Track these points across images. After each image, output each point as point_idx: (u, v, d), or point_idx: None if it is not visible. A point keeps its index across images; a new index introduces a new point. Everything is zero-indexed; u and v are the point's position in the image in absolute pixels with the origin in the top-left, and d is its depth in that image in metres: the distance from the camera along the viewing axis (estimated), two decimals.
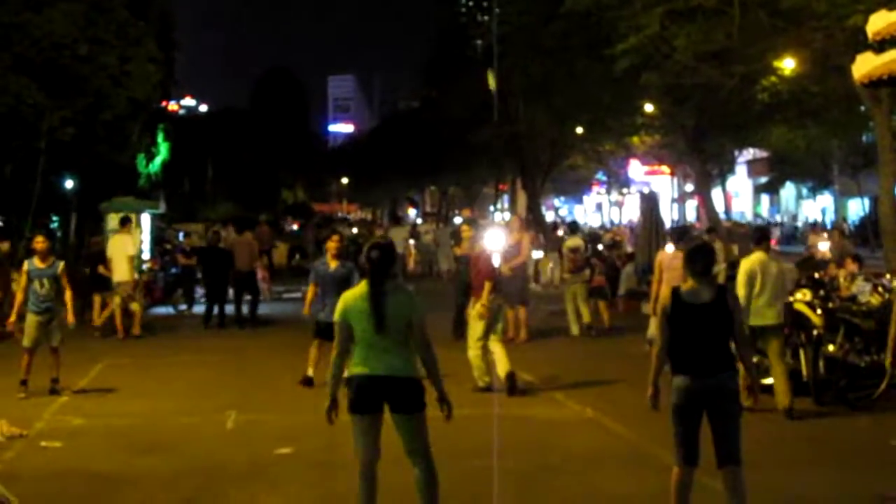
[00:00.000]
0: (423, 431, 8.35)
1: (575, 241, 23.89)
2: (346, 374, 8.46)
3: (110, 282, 23.59)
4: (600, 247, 31.02)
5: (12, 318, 16.65)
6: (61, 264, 16.25)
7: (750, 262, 13.95)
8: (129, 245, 23.92)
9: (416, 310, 8.39)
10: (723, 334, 8.46)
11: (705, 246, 9.05)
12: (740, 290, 13.51)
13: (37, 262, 15.91)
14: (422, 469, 8.32)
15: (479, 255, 16.48)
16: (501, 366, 15.47)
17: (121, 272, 23.44)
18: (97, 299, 24.30)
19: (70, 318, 16.37)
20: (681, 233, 17.57)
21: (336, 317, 8.49)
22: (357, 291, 8.44)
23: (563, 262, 22.75)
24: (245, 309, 25.87)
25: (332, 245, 16.32)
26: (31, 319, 15.78)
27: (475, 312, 15.72)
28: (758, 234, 15.28)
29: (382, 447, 8.39)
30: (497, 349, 15.66)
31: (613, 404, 14.45)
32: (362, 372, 8.26)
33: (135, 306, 23.63)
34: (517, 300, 21.62)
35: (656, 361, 8.61)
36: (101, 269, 24.00)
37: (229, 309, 25.54)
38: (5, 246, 27.54)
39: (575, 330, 22.77)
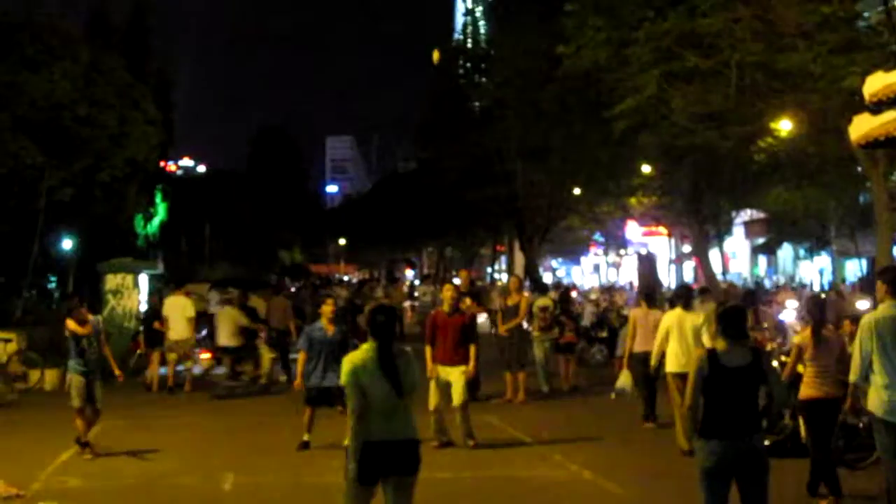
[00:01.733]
0: (413, 494, 8.31)
1: (544, 301, 24.05)
2: (357, 440, 8.27)
3: (163, 338, 24.51)
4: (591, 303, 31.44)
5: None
6: (100, 318, 16.53)
7: (667, 318, 15.93)
8: (188, 306, 24.77)
9: (417, 373, 8.46)
10: (756, 397, 8.44)
11: (739, 308, 9.01)
12: (657, 340, 15.79)
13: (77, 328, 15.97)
14: None
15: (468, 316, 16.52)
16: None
17: (178, 330, 24.31)
18: (155, 355, 24.83)
19: (117, 372, 16.60)
20: (684, 293, 17.61)
21: (345, 380, 8.36)
22: (364, 355, 8.35)
23: (534, 321, 22.98)
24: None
25: (327, 309, 16.36)
26: (78, 380, 15.78)
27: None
28: (677, 293, 17.74)
29: None
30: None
31: (611, 464, 14.40)
32: (387, 438, 8.18)
33: (189, 364, 24.60)
34: (516, 363, 21.68)
35: (691, 423, 8.51)
36: (156, 324, 24.82)
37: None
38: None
39: (545, 387, 22.77)
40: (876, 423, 10.62)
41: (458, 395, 15.68)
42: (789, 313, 25.95)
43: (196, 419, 20.03)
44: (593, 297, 37.68)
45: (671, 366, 15.67)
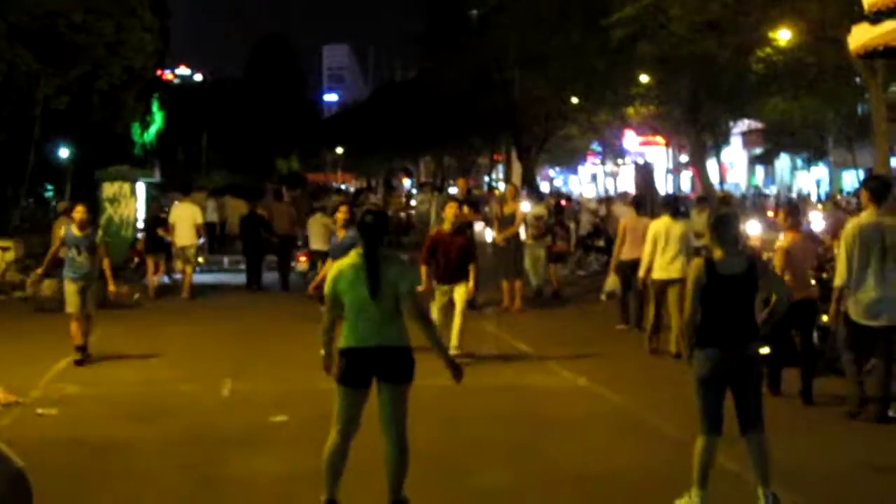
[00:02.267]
0: (405, 404, 8.23)
1: (538, 209, 24.50)
2: (337, 345, 8.35)
3: (167, 245, 25.14)
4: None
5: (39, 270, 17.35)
6: (99, 233, 16.41)
7: (654, 225, 16.36)
8: (197, 213, 25.34)
9: (407, 278, 8.27)
10: (751, 305, 8.52)
11: (731, 215, 9.09)
12: (646, 248, 16.07)
13: (75, 231, 15.94)
14: (393, 442, 8.17)
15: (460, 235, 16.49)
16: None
17: (186, 237, 24.75)
18: (150, 262, 25.14)
19: (112, 286, 16.37)
20: (672, 202, 17.93)
21: (327, 287, 8.36)
22: (349, 260, 8.28)
23: (528, 229, 23.17)
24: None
25: (340, 217, 16.18)
26: (71, 287, 15.83)
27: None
28: (665, 201, 19.13)
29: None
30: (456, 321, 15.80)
31: (607, 372, 14.56)
32: (355, 345, 8.16)
33: (189, 269, 24.83)
34: (513, 271, 21.81)
35: (690, 331, 8.57)
36: (160, 231, 25.23)
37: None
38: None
39: (535, 281, 23.36)
40: (847, 322, 11.61)
41: (459, 302, 15.75)
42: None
43: (197, 326, 20.14)
44: (591, 206, 37.68)
45: (657, 273, 16.07)
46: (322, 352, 8.54)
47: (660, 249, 15.97)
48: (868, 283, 11.43)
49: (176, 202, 27.37)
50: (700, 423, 8.44)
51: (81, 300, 15.76)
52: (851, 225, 11.67)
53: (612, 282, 19.12)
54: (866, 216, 11.58)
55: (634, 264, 17.14)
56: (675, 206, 17.24)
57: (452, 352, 13.59)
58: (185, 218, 25.00)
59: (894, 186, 12.29)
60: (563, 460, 10.25)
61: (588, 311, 21.73)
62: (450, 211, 16.42)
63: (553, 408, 12.69)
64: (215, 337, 18.67)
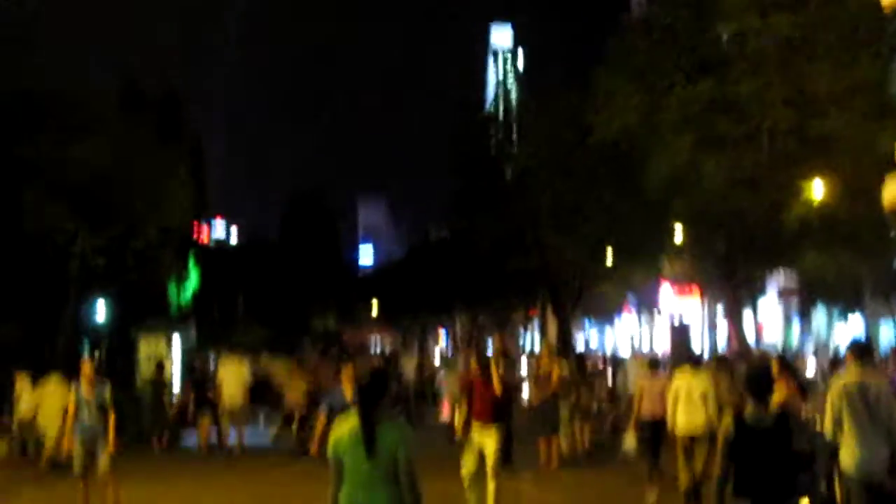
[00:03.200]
0: None
1: (563, 366, 24.32)
2: None
3: (215, 406, 25.39)
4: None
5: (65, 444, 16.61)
6: (108, 390, 16.15)
7: (676, 380, 17.07)
8: (244, 371, 25.74)
9: (405, 443, 8.07)
10: (785, 459, 8.44)
11: (764, 371, 9.15)
12: (668, 405, 16.75)
13: (84, 389, 15.78)
14: None
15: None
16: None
17: (233, 395, 25.09)
18: (204, 421, 25.56)
19: (110, 447, 15.99)
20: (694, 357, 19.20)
21: (329, 453, 8.20)
22: (347, 423, 8.18)
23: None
24: None
25: (347, 374, 16.18)
26: (79, 448, 15.66)
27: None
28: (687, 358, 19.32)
29: None
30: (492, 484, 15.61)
31: None
32: None
33: (242, 428, 25.19)
34: (550, 427, 21.74)
35: (718, 490, 8.49)
36: (210, 394, 25.61)
37: None
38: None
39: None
40: (851, 483, 11.39)
41: (491, 456, 15.58)
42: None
43: (233, 486, 19.96)
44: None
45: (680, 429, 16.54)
46: None
47: (681, 404, 16.51)
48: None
49: (223, 360, 27.53)
50: None
51: (89, 461, 15.56)
52: (837, 385, 11.88)
53: (629, 440, 19.70)
54: (850, 375, 11.85)
55: (651, 422, 17.88)
56: (697, 360, 18.50)
57: None
58: (231, 374, 25.22)
59: None
60: None
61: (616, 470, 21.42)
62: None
63: None
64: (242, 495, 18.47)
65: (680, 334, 55.26)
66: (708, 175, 28.86)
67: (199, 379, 27.17)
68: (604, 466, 22.60)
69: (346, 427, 8.18)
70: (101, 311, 38.57)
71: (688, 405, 16.36)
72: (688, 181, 30.31)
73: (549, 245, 52.30)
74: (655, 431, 17.65)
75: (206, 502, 18.35)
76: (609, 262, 50.31)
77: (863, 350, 12.33)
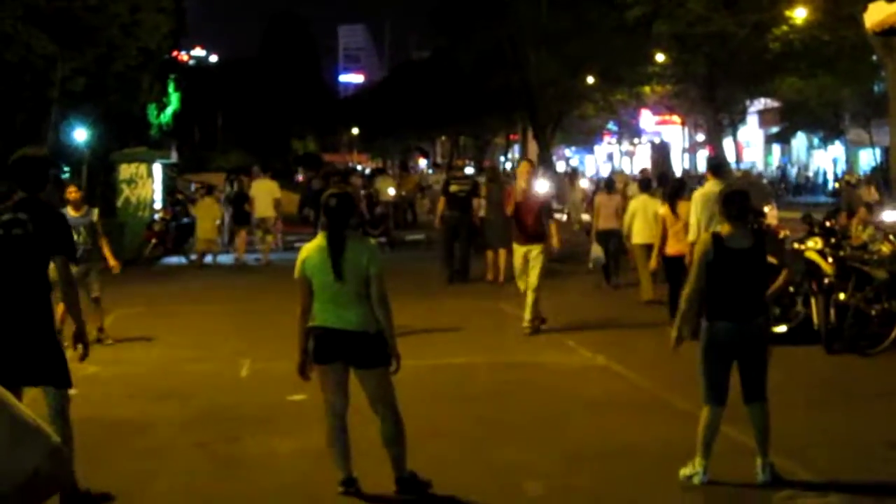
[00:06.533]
0: (385, 385, 8.27)
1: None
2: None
3: (251, 217, 27.74)
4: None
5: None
6: (95, 212, 16.14)
7: (633, 203, 19.63)
8: (275, 189, 28.34)
9: (374, 262, 8.21)
10: (761, 279, 8.59)
11: (740, 190, 9.23)
12: (624, 222, 19.62)
13: (71, 212, 15.75)
14: (386, 421, 8.25)
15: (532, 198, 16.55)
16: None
17: (264, 209, 27.67)
18: (242, 233, 27.90)
19: (112, 262, 16.12)
20: (646, 183, 21.43)
21: (296, 273, 8.35)
22: (315, 243, 8.33)
23: None
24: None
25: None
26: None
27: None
28: (640, 183, 23.06)
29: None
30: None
31: (624, 350, 14.52)
32: (321, 324, 8.21)
33: (270, 238, 27.98)
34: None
35: (686, 305, 8.64)
36: (246, 206, 27.98)
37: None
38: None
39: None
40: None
41: (534, 277, 15.81)
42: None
43: (215, 306, 20.16)
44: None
45: (637, 238, 18.82)
46: (299, 346, 8.46)
47: (638, 220, 18.88)
48: None
49: (255, 180, 29.73)
50: (705, 395, 8.61)
51: (84, 283, 15.66)
52: (697, 194, 14.84)
53: (595, 251, 21.50)
54: (709, 186, 14.59)
55: (607, 233, 21.00)
56: (648, 185, 20.89)
57: (536, 322, 15.35)
58: (263, 192, 27.69)
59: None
60: (581, 436, 10.28)
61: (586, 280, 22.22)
62: (521, 179, 17.00)
63: (571, 386, 12.65)
64: (230, 317, 18.66)
65: (660, 153, 55.47)
66: None
67: (237, 195, 29.10)
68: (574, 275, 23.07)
69: (312, 248, 8.34)
70: (81, 136, 38.35)
71: (643, 222, 18.59)
72: (670, 3, 30.10)
73: (530, 64, 52.06)
74: (610, 240, 20.82)
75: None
76: (590, 80, 50.21)
77: (717, 166, 16.27)
